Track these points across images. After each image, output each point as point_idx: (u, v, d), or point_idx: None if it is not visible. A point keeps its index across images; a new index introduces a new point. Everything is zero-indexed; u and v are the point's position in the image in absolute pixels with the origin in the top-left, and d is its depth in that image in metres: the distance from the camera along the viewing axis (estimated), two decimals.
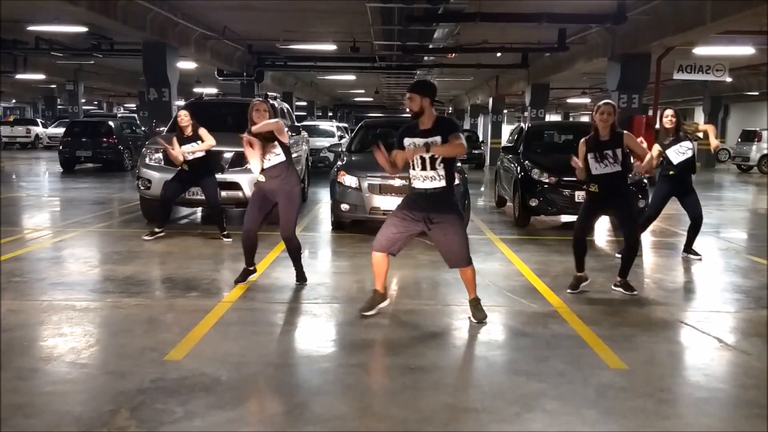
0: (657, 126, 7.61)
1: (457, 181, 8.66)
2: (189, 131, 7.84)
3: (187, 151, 7.85)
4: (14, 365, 4.00)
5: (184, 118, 7.85)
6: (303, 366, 4.13)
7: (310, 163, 14.41)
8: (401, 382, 3.86)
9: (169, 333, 4.69)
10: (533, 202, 9.36)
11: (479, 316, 5.00)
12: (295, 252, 6.05)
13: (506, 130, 27.55)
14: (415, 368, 4.07)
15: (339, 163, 9.37)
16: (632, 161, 6.01)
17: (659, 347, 4.59)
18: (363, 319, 5.02)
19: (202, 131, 7.83)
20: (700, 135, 7.67)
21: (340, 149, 10.43)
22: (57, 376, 3.88)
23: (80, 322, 4.90)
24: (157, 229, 8.17)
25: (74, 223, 9.63)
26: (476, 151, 24.65)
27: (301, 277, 6.09)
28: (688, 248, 7.65)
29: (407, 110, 4.83)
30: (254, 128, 5.61)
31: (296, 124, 13.13)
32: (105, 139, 19.25)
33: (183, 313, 5.12)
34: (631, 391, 3.78)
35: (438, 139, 4.69)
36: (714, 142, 7.64)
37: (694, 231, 7.61)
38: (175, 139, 7.90)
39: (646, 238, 9.12)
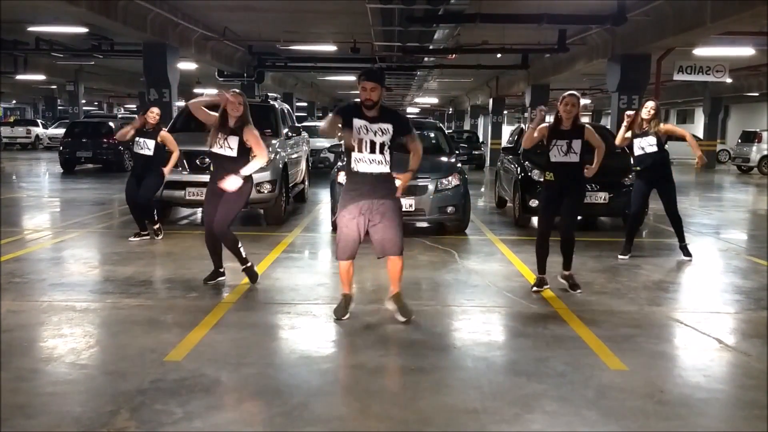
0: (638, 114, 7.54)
1: (456, 182, 8.86)
2: (150, 127, 8.02)
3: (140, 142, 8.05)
4: (14, 366, 4.00)
5: (155, 117, 8.03)
6: (303, 366, 4.12)
7: (310, 164, 14.41)
8: (401, 382, 3.86)
9: (168, 333, 4.69)
10: (533, 203, 9.35)
11: (405, 313, 4.97)
12: (232, 246, 5.88)
13: (506, 130, 27.55)
14: (415, 369, 4.07)
15: (339, 163, 9.37)
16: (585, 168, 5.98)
17: (659, 348, 4.59)
18: (363, 320, 5.02)
19: (165, 135, 8.02)
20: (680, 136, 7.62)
21: (340, 149, 10.41)
22: (57, 377, 3.88)
23: (80, 322, 4.91)
24: (143, 232, 8.19)
25: (74, 223, 9.64)
26: (476, 152, 24.65)
27: (248, 271, 5.97)
28: (682, 246, 7.66)
29: (366, 99, 4.70)
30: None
31: (296, 124, 13.12)
32: (105, 140, 19.26)
33: (183, 314, 5.13)
34: (630, 392, 3.78)
35: (390, 126, 4.76)
36: (697, 153, 7.51)
37: (676, 226, 7.63)
38: (136, 127, 8.12)
39: (647, 238, 9.13)
